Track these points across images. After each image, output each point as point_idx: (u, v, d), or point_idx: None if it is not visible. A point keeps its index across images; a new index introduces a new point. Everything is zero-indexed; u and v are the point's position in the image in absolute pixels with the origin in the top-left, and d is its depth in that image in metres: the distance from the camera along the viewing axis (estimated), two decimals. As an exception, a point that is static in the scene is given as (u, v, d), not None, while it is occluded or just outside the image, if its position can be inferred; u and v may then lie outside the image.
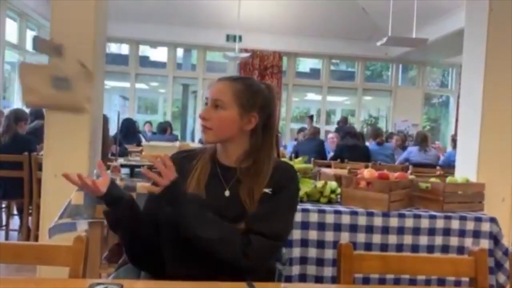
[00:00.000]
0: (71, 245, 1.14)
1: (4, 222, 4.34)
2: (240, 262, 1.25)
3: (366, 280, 2.03)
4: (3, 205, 4.29)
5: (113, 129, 5.31)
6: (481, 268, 1.25)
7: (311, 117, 9.25)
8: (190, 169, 1.38)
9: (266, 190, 1.35)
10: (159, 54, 10.69)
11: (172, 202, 1.24)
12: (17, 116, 4.07)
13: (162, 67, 10.09)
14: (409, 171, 4.46)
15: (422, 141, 6.05)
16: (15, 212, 4.31)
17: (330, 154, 6.29)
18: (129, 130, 6.51)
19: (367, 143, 6.30)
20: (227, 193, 1.36)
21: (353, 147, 5.92)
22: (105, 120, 3.09)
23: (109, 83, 11.49)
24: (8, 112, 4.08)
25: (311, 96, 11.87)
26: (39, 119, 4.97)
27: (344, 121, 9.12)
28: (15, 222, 4.37)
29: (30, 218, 3.90)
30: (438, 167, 5.39)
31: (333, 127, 11.88)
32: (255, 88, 1.40)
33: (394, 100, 10.48)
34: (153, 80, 11.11)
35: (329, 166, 4.97)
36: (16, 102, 7.41)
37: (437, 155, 6.21)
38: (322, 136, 8.03)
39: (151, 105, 12.98)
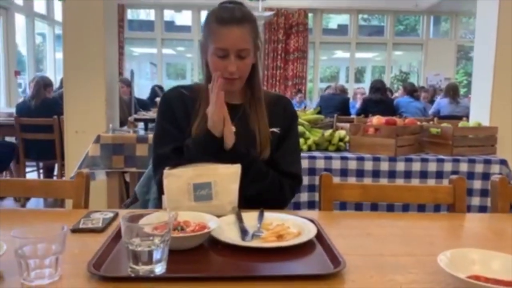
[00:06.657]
0: (73, 180, 1.27)
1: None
2: (280, 204, 1.29)
3: (343, 207, 2.11)
4: (41, 167, 4.57)
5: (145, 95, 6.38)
6: (459, 195, 1.30)
7: None
8: (194, 112, 1.30)
9: (275, 130, 1.32)
10: (184, 18, 10.70)
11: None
12: (45, 82, 4.29)
13: (187, 31, 10.13)
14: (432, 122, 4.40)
15: (453, 93, 5.91)
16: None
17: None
18: (156, 95, 6.73)
19: (399, 98, 6.20)
20: None
21: (379, 101, 5.86)
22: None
23: (138, 50, 11.66)
24: (38, 78, 4.28)
25: (340, 54, 11.60)
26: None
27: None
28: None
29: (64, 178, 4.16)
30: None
31: (363, 85, 11.62)
32: (254, 18, 1.30)
33: (426, 54, 10.13)
34: (179, 45, 11.18)
35: (351, 121, 4.97)
36: (49, 72, 7.71)
37: (468, 106, 6.07)
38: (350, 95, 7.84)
39: (181, 71, 13.10)
